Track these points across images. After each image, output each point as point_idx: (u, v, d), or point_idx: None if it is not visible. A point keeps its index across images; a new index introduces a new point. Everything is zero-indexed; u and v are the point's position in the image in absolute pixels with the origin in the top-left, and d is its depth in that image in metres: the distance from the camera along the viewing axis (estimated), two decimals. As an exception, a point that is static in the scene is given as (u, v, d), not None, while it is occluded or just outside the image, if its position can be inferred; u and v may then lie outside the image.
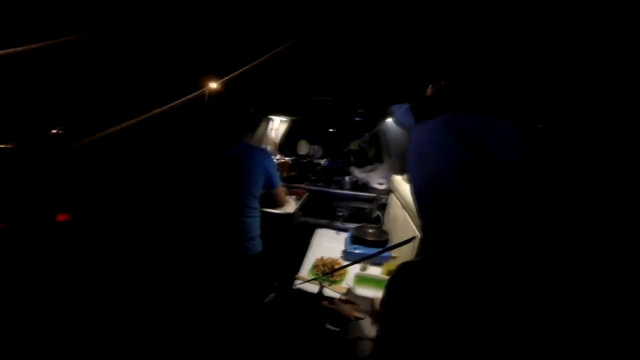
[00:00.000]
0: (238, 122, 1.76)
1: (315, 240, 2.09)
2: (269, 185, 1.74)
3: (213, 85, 2.34)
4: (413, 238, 1.37)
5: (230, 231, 1.64)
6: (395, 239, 1.87)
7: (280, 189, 1.83)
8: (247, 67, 1.72)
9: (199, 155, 1.79)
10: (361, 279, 1.49)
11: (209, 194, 1.70)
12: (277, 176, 1.76)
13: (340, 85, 2.19)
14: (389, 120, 1.85)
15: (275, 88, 2.37)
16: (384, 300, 0.70)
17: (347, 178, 2.55)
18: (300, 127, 3.44)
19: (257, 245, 1.71)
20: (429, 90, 1.13)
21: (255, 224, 1.70)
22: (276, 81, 2.27)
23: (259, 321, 1.78)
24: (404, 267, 0.69)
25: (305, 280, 1.47)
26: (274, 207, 1.98)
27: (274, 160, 1.79)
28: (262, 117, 2.66)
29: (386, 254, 1.83)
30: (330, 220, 2.41)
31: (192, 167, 2.00)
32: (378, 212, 2.39)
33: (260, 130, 2.73)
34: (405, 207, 1.69)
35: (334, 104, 2.42)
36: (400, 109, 1.00)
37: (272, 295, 1.91)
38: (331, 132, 3.84)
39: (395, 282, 0.68)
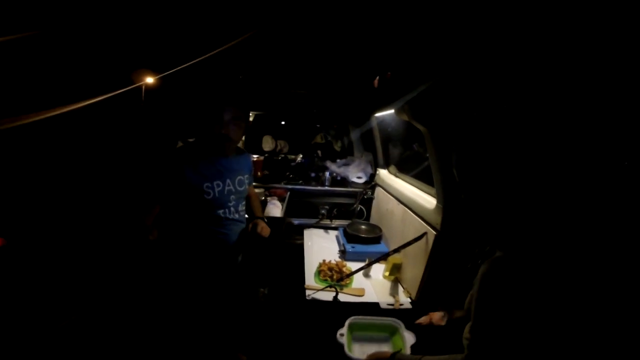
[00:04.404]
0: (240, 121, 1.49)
1: (307, 241, 2.00)
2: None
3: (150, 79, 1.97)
4: (425, 234, 1.38)
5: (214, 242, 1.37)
6: (390, 234, 1.88)
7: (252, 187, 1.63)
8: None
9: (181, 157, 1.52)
10: (357, 326, 1.20)
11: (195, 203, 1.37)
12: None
13: (311, 77, 2.07)
14: (387, 112, 1.80)
15: (240, 81, 2.17)
16: (481, 293, 0.76)
17: (327, 174, 2.48)
18: (260, 122, 3.26)
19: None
20: (375, 83, 1.12)
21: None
22: (240, 74, 2.07)
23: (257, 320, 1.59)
24: (496, 263, 0.75)
25: (318, 289, 1.38)
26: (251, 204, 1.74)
27: None
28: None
29: (384, 248, 1.83)
30: (315, 219, 2.34)
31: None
32: (360, 207, 2.39)
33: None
34: (403, 202, 1.70)
35: (308, 97, 2.30)
36: None
37: (264, 290, 1.73)
38: (283, 124, 3.68)
39: (493, 277, 0.75)
